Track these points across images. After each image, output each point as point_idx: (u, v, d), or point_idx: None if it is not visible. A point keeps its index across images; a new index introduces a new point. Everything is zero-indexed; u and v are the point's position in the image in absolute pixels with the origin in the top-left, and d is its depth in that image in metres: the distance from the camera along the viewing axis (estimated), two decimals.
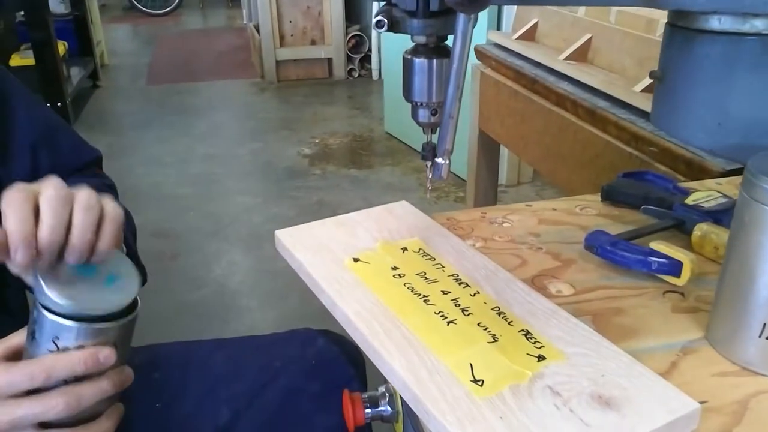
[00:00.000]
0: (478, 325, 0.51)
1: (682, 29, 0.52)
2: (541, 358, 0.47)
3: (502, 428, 0.41)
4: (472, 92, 1.69)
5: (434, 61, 0.57)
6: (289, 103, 3.93)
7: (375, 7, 0.56)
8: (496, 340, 0.49)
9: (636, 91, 1.11)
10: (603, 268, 0.62)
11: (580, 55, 1.34)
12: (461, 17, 0.45)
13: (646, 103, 1.07)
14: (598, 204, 0.75)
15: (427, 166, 0.62)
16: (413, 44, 0.58)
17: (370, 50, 4.33)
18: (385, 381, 0.58)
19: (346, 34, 4.26)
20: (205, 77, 4.53)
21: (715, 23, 0.50)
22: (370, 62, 4.37)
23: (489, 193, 1.86)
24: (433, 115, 0.60)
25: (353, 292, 0.56)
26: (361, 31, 4.30)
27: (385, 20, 0.54)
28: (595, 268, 0.62)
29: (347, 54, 4.33)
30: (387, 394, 0.60)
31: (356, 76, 4.38)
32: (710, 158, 0.91)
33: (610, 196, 0.74)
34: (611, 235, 0.61)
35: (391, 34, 0.55)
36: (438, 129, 0.51)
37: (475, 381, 0.45)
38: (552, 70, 1.38)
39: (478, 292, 0.56)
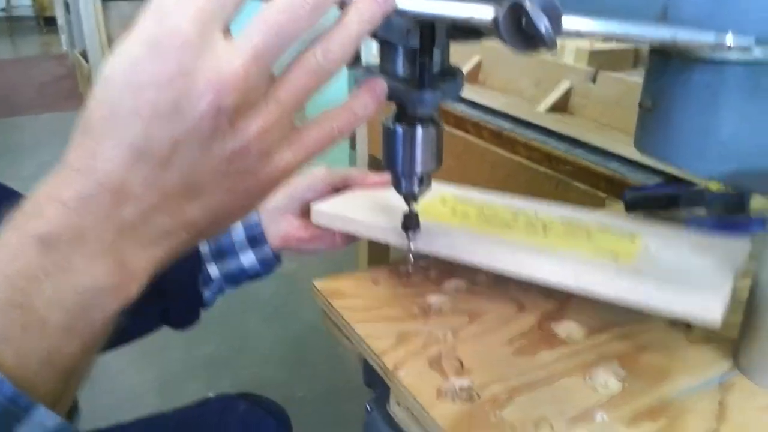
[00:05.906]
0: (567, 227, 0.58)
1: (678, 57, 0.51)
2: (633, 236, 0.57)
3: (663, 274, 0.50)
4: None
5: (418, 129, 0.52)
6: None
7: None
8: (591, 233, 0.56)
9: (541, 112, 1.13)
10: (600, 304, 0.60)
11: (471, 77, 1.35)
12: None
13: (553, 123, 1.10)
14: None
15: (408, 237, 0.57)
16: (395, 110, 0.53)
17: None
18: None
19: None
20: (27, 110, 4.09)
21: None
22: None
23: None
24: (420, 185, 0.55)
25: (448, 232, 0.57)
26: None
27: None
28: (592, 305, 0.59)
29: None
30: None
31: None
32: (631, 174, 0.94)
33: (635, 206, 0.74)
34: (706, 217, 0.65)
35: None
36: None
37: (616, 255, 0.53)
38: None
39: (536, 212, 0.60)
